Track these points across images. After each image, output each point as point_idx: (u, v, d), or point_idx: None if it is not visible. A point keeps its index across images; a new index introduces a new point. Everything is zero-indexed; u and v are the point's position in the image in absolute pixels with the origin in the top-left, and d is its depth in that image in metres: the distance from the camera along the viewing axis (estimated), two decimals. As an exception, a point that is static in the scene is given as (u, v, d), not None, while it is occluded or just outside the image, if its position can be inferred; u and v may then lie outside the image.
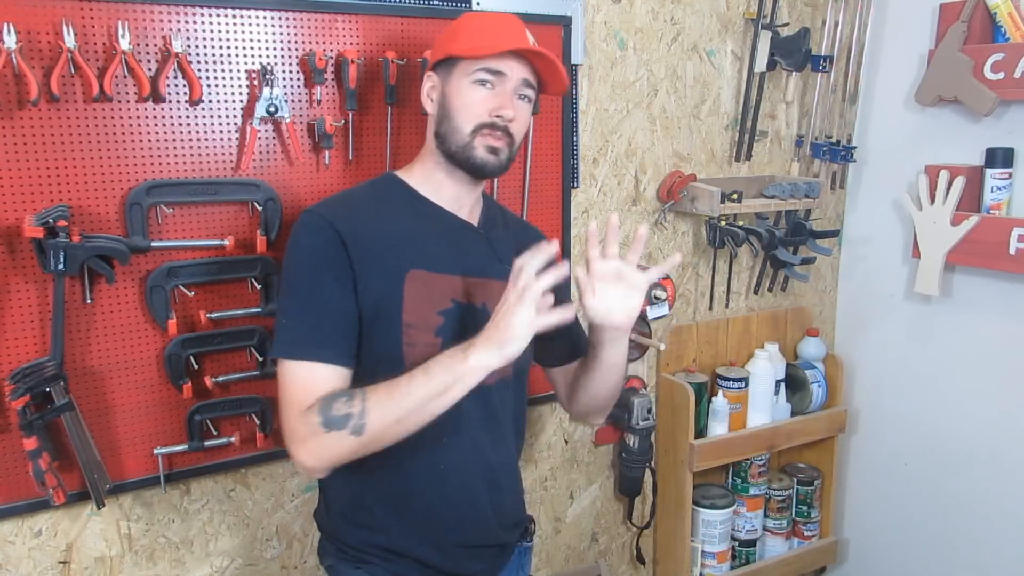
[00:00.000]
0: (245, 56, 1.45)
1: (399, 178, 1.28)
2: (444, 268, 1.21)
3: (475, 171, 1.21)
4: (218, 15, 1.41)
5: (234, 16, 1.43)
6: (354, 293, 1.15)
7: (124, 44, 1.32)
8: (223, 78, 1.44)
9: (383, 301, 1.16)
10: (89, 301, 1.39)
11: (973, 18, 1.93)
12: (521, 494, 1.40)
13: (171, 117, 1.41)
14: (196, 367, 1.49)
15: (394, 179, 1.29)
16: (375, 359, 1.17)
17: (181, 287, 1.45)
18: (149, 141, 1.40)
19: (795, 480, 2.30)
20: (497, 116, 1.18)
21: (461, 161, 1.20)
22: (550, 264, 1.07)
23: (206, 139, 1.45)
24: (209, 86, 1.43)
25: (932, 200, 2.01)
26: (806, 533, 2.33)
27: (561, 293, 1.34)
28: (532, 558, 1.47)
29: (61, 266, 1.30)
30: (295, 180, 1.53)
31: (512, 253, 1.29)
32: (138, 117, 1.38)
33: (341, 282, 1.15)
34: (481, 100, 1.18)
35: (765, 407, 2.15)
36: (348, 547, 1.27)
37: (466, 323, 1.21)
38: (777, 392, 2.18)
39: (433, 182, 1.26)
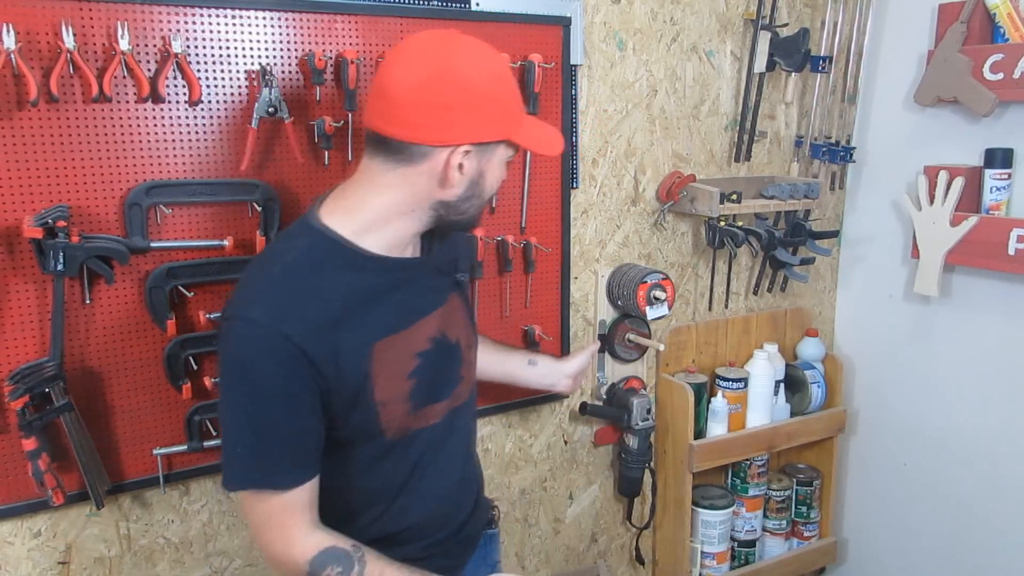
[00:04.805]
0: (244, 56, 1.45)
1: (329, 236, 1.11)
2: (404, 322, 1.17)
3: (469, 228, 1.27)
4: (217, 15, 1.41)
5: (233, 16, 1.43)
6: (321, 408, 1.09)
7: (123, 44, 1.32)
8: (222, 78, 1.44)
9: (355, 388, 1.11)
10: (88, 302, 1.39)
11: (972, 18, 1.93)
12: (483, 490, 1.44)
13: (170, 117, 1.41)
14: (195, 367, 1.49)
15: (323, 239, 1.11)
16: (354, 432, 1.15)
17: (180, 287, 1.45)
18: (148, 141, 1.40)
19: (794, 480, 2.31)
20: None
21: (464, 225, 1.20)
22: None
23: (205, 139, 1.45)
24: (208, 86, 1.43)
25: (931, 200, 2.01)
26: (805, 533, 2.33)
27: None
28: (500, 545, 1.50)
29: (60, 266, 1.30)
30: (295, 180, 1.53)
31: (446, 256, 1.30)
32: (137, 117, 1.38)
33: (307, 406, 1.07)
34: (503, 176, 1.20)
35: (764, 408, 2.15)
36: None
37: (436, 359, 1.21)
38: (776, 392, 2.18)
39: (382, 231, 1.13)
